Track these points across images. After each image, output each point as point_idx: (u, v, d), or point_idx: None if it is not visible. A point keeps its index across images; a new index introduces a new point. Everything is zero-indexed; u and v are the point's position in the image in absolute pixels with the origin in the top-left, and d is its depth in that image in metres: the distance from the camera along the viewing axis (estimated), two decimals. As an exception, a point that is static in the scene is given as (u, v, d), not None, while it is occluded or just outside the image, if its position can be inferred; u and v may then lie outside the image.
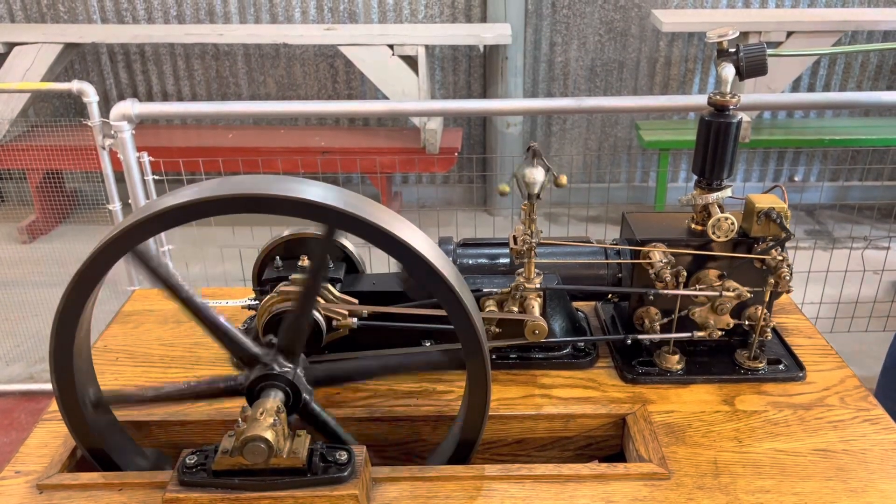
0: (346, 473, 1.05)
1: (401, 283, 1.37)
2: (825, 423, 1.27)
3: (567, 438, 1.33)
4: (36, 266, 4.06)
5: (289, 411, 1.09)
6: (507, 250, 1.46)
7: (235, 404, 1.12)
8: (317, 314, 1.31)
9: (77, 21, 4.91)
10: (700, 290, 1.34)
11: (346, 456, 1.06)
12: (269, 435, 0.99)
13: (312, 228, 1.41)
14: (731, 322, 1.36)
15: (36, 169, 4.58)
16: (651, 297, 1.37)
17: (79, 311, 1.05)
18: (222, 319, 1.12)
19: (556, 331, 1.42)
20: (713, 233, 1.33)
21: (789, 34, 4.40)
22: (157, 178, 2.91)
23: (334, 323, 1.32)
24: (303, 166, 4.19)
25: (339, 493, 1.03)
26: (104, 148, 2.83)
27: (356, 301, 1.33)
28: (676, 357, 1.39)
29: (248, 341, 1.12)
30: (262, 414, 1.02)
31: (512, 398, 1.34)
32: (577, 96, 5.03)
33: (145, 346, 1.52)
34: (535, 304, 1.32)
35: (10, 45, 4.47)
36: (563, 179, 1.23)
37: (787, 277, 1.32)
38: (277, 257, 1.41)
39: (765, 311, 1.36)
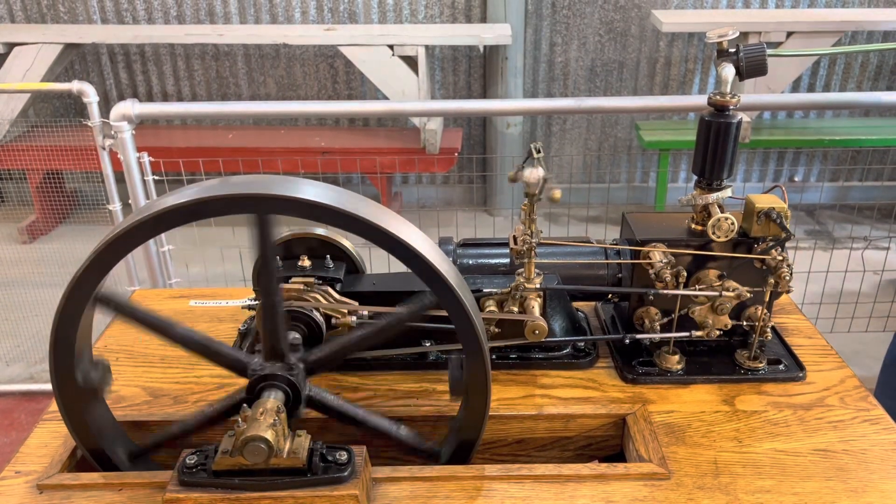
0: (346, 473, 1.05)
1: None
2: (825, 423, 1.27)
3: (567, 438, 1.33)
4: (36, 266, 4.06)
5: (293, 408, 1.09)
6: (507, 250, 1.46)
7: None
8: (316, 314, 1.31)
9: (77, 21, 4.91)
10: (700, 290, 1.34)
11: (346, 456, 1.06)
12: (269, 435, 0.99)
13: (312, 228, 1.41)
14: (730, 323, 1.36)
15: (36, 169, 4.58)
16: (651, 297, 1.37)
17: (79, 311, 1.05)
18: (205, 337, 1.12)
19: (556, 331, 1.42)
20: (713, 233, 1.33)
21: (789, 34, 4.40)
22: (157, 178, 2.91)
23: (333, 321, 1.32)
24: (303, 167, 4.19)
25: (339, 493, 1.03)
26: (104, 148, 2.83)
27: (355, 303, 1.33)
28: (676, 357, 1.39)
29: (234, 351, 1.12)
30: (261, 414, 1.02)
31: (512, 398, 1.34)
32: (577, 96, 5.03)
33: (145, 346, 1.52)
34: (535, 304, 1.32)
35: (10, 46, 4.47)
36: (557, 194, 1.22)
37: (788, 277, 1.32)
38: (277, 257, 1.41)
39: (765, 311, 1.36)
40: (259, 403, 1.05)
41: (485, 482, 1.14)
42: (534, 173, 1.23)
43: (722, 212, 1.34)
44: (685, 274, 1.34)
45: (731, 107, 1.31)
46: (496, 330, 1.34)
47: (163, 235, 2.95)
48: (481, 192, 5.32)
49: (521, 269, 1.35)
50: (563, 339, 1.43)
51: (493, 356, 1.41)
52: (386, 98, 4.48)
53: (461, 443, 1.18)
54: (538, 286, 1.33)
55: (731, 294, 1.32)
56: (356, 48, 4.38)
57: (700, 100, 2.95)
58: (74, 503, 1.11)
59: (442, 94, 5.11)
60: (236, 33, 4.64)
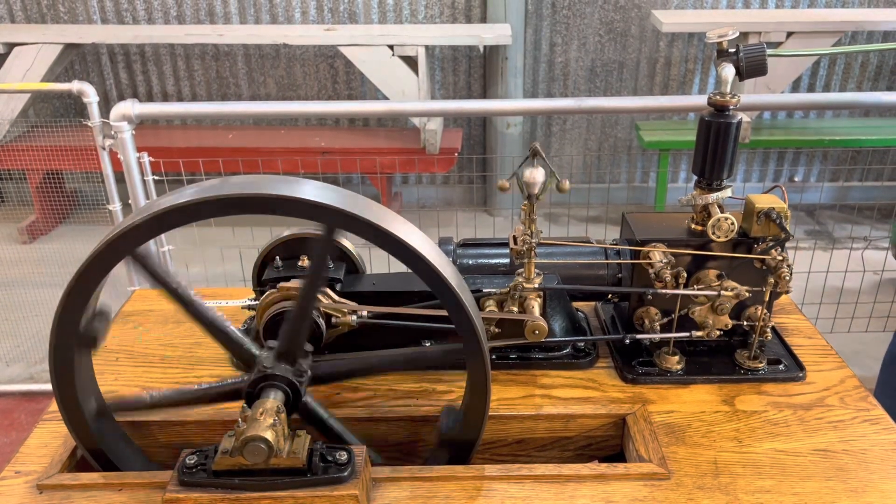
0: (346, 473, 1.05)
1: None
2: (825, 423, 1.27)
3: (567, 438, 1.33)
4: (36, 266, 4.06)
5: (289, 411, 1.09)
6: (507, 250, 1.46)
7: (235, 405, 1.12)
8: (315, 314, 1.32)
9: (77, 21, 4.91)
10: (698, 289, 1.34)
11: (346, 456, 1.06)
12: (268, 435, 0.99)
13: (313, 229, 1.41)
14: (730, 323, 1.36)
15: (36, 169, 4.58)
16: (649, 297, 1.37)
17: (79, 311, 1.05)
18: (222, 320, 1.12)
19: (556, 331, 1.42)
20: (713, 233, 1.33)
21: (789, 34, 4.40)
22: (157, 178, 2.91)
23: (333, 320, 1.32)
24: (303, 167, 4.19)
25: (339, 494, 1.03)
26: (104, 148, 2.83)
27: (354, 304, 1.33)
28: (676, 357, 1.39)
29: (248, 342, 1.12)
30: (261, 414, 1.02)
31: (512, 398, 1.34)
32: (577, 97, 5.03)
33: (145, 346, 1.52)
34: (535, 305, 1.32)
35: (10, 46, 4.47)
36: (566, 185, 1.23)
37: (787, 278, 1.32)
38: (277, 257, 1.42)
39: (765, 310, 1.36)
40: (259, 403, 1.05)
41: (485, 482, 1.14)
42: (534, 174, 1.23)
43: (722, 212, 1.34)
44: (685, 274, 1.34)
45: (731, 107, 1.31)
46: (496, 330, 1.34)
47: (163, 235, 2.95)
48: (481, 192, 5.32)
49: (521, 269, 1.35)
50: (563, 339, 1.43)
51: (493, 356, 1.41)
52: (386, 98, 4.48)
53: (461, 443, 1.18)
54: (537, 286, 1.33)
55: (730, 294, 1.32)
56: (356, 48, 4.38)
57: (700, 100, 2.94)
58: (74, 503, 1.11)
59: (442, 94, 5.11)
60: (236, 33, 4.64)
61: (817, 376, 1.39)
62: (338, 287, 1.36)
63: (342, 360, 1.17)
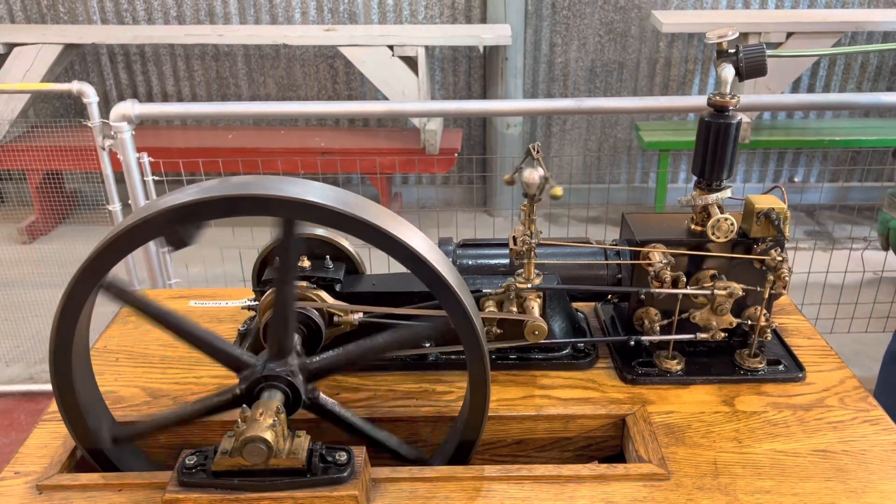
0: (345, 474, 1.05)
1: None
2: (825, 423, 1.27)
3: (567, 439, 1.33)
4: (36, 266, 4.06)
5: (290, 410, 1.09)
6: (507, 251, 1.46)
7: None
8: (315, 314, 1.31)
9: (77, 22, 4.91)
10: (691, 289, 1.34)
11: (345, 456, 1.06)
12: (268, 435, 0.99)
13: (312, 229, 1.41)
14: (734, 321, 1.36)
15: (36, 169, 4.58)
16: (642, 297, 1.37)
17: (79, 311, 1.05)
18: (207, 333, 1.12)
19: (555, 331, 1.42)
20: (713, 233, 1.33)
21: (789, 35, 4.40)
22: (156, 178, 2.91)
23: (336, 319, 1.32)
24: (303, 167, 4.19)
25: (338, 494, 1.03)
26: (104, 148, 2.84)
27: (349, 307, 1.33)
28: (676, 358, 1.39)
29: (237, 351, 1.12)
30: (261, 414, 1.02)
31: (512, 399, 1.34)
32: (576, 97, 5.03)
33: (145, 346, 1.52)
34: (535, 305, 1.32)
35: (10, 46, 4.47)
36: (558, 191, 1.22)
37: (787, 278, 1.32)
38: (277, 257, 1.41)
39: (764, 311, 1.36)
40: (259, 404, 1.05)
41: (485, 483, 1.14)
42: (533, 174, 1.23)
43: (721, 212, 1.34)
44: (685, 275, 1.34)
45: (731, 107, 1.31)
46: (498, 331, 1.34)
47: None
48: (481, 192, 5.32)
49: (521, 270, 1.35)
50: (566, 340, 1.43)
51: (493, 356, 1.41)
52: (386, 98, 4.48)
53: (461, 443, 1.18)
54: (532, 286, 1.33)
55: (724, 293, 1.32)
56: (356, 48, 4.39)
57: (700, 100, 2.95)
58: (74, 503, 1.11)
59: (442, 94, 5.11)
60: (236, 34, 4.64)
61: (817, 377, 1.39)
62: (337, 287, 1.36)
63: (336, 352, 1.16)
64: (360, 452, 1.09)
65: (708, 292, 1.33)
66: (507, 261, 1.46)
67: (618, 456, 1.31)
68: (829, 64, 5.02)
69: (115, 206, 2.97)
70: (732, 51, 1.33)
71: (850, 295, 3.48)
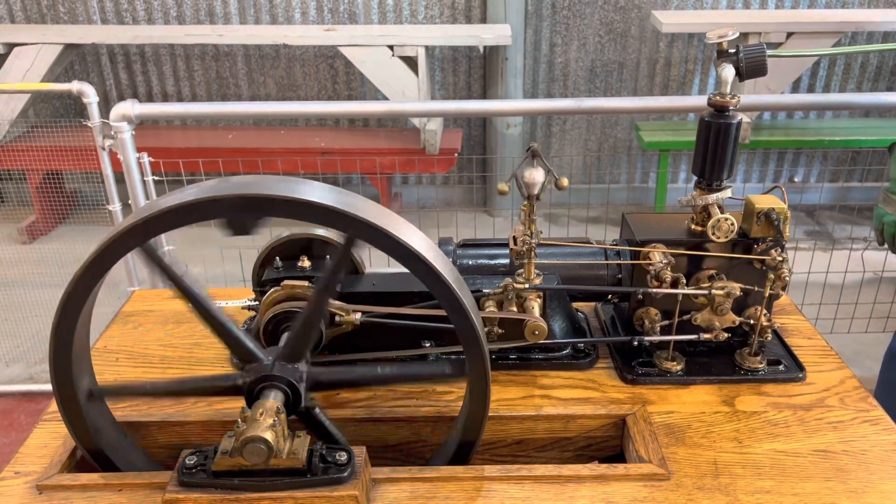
0: (345, 474, 1.05)
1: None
2: (825, 423, 1.27)
3: (567, 439, 1.33)
4: (36, 266, 4.06)
5: (289, 412, 1.09)
6: (507, 251, 1.46)
7: (235, 404, 1.12)
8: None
9: (77, 22, 4.91)
10: (690, 289, 1.34)
11: (345, 456, 1.06)
12: (268, 435, 0.99)
13: (312, 230, 1.41)
14: (737, 319, 1.36)
15: (36, 169, 4.58)
16: (640, 297, 1.37)
17: (78, 311, 1.05)
18: (228, 320, 1.12)
19: (555, 331, 1.42)
20: (713, 233, 1.33)
21: (789, 35, 4.40)
22: (156, 178, 2.91)
23: (337, 319, 1.32)
24: (303, 167, 4.19)
25: (338, 494, 1.03)
26: (104, 148, 2.83)
27: (349, 307, 1.33)
28: (676, 358, 1.39)
29: (251, 343, 1.12)
30: (261, 414, 1.02)
31: (512, 399, 1.34)
32: (576, 97, 5.03)
33: (145, 346, 1.52)
34: (535, 305, 1.32)
35: (10, 46, 4.47)
36: (565, 182, 1.23)
37: (788, 278, 1.32)
38: (277, 258, 1.42)
39: (764, 311, 1.36)
40: (259, 404, 1.05)
41: (485, 483, 1.14)
42: (534, 174, 1.23)
43: (722, 212, 1.34)
44: (685, 275, 1.34)
45: (731, 107, 1.31)
46: (500, 331, 1.34)
47: (162, 235, 2.95)
48: (481, 192, 5.32)
49: (521, 270, 1.34)
50: (565, 340, 1.43)
51: (493, 356, 1.40)
52: (386, 98, 4.48)
53: (461, 443, 1.17)
54: (528, 286, 1.33)
55: (721, 293, 1.32)
56: (356, 49, 4.39)
57: (700, 100, 2.95)
58: (74, 503, 1.11)
59: (442, 94, 5.11)
60: (236, 34, 4.64)
61: (817, 377, 1.39)
62: (337, 287, 1.36)
63: (345, 370, 1.17)
64: (360, 452, 1.09)
65: (706, 292, 1.33)
66: (507, 261, 1.46)
67: (618, 456, 1.31)
68: (829, 64, 5.02)
69: (115, 206, 2.97)
70: (733, 51, 1.33)
71: (850, 295, 3.48)
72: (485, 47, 4.77)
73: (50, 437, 1.25)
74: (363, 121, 5.12)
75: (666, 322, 1.39)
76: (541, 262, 1.39)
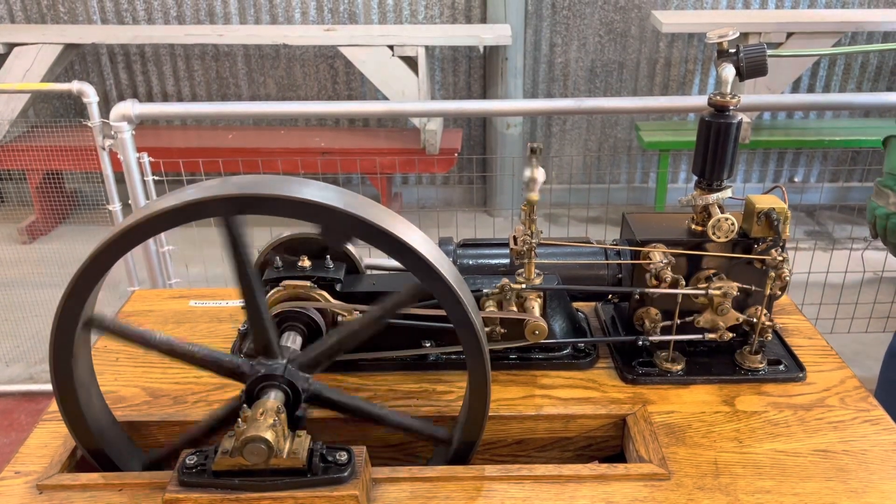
0: (346, 474, 1.05)
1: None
2: (825, 423, 1.27)
3: (567, 439, 1.33)
4: (36, 266, 4.06)
5: (294, 406, 1.08)
6: (507, 251, 1.46)
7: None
8: (315, 313, 1.31)
9: (77, 22, 4.91)
10: (688, 289, 1.34)
11: (346, 456, 1.06)
12: (269, 435, 0.99)
13: (312, 229, 1.41)
14: (741, 317, 1.36)
15: (36, 169, 4.58)
16: (637, 297, 1.37)
17: (79, 311, 1.05)
18: (196, 347, 1.12)
19: (556, 331, 1.42)
20: (713, 233, 1.33)
21: (789, 35, 4.40)
22: (157, 178, 2.91)
23: (339, 318, 1.32)
24: (303, 167, 4.19)
25: (339, 494, 1.03)
26: (104, 148, 2.83)
27: (352, 307, 1.33)
28: (676, 358, 1.39)
29: (227, 357, 1.11)
30: (261, 414, 1.02)
31: (512, 399, 1.34)
32: (576, 97, 5.03)
33: (145, 346, 1.52)
34: (536, 305, 1.32)
35: (10, 46, 4.47)
36: (534, 197, 1.23)
37: (788, 278, 1.32)
38: (277, 257, 1.41)
39: (764, 310, 1.36)
40: (259, 404, 1.05)
41: (485, 482, 1.13)
42: (535, 174, 1.23)
43: (722, 212, 1.34)
44: (685, 275, 1.34)
45: (732, 107, 1.31)
46: (502, 330, 1.34)
47: (162, 235, 2.95)
48: (481, 192, 5.32)
49: (522, 270, 1.34)
50: (566, 340, 1.43)
51: (493, 356, 1.40)
52: (386, 98, 4.48)
53: (461, 443, 1.18)
54: (529, 286, 1.33)
55: (719, 292, 1.32)
56: (356, 48, 4.39)
57: (700, 100, 2.95)
58: (74, 503, 1.11)
59: (442, 94, 5.11)
60: (236, 34, 4.64)
61: (817, 377, 1.39)
62: (338, 287, 1.36)
63: (324, 340, 1.14)
64: (360, 452, 1.08)
65: (703, 292, 1.33)
66: (507, 261, 1.46)
67: (618, 456, 1.31)
68: (829, 64, 5.02)
69: (116, 206, 2.97)
70: (733, 50, 1.33)
71: (851, 295, 3.48)
72: (485, 47, 4.77)
73: (50, 436, 1.25)
74: (363, 121, 5.12)
75: (667, 322, 1.39)
76: (541, 262, 1.39)
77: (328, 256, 1.41)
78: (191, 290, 1.74)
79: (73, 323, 1.05)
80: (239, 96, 5.14)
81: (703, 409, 1.31)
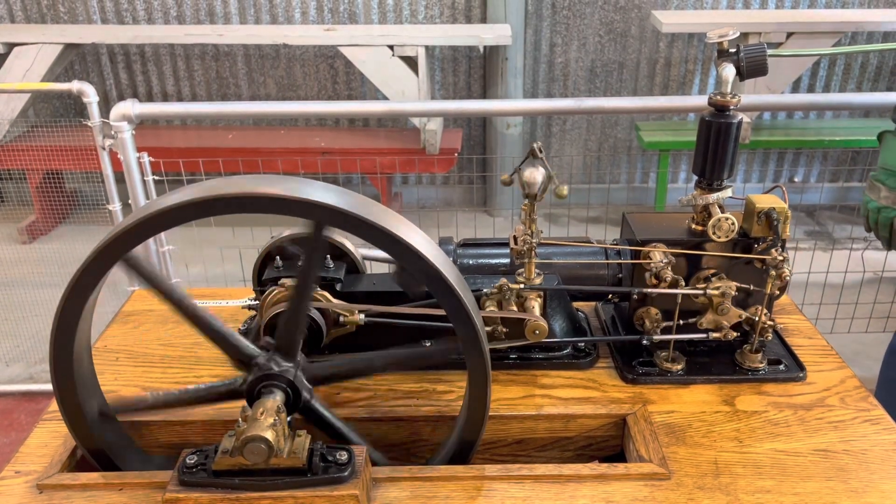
0: (346, 473, 1.05)
1: (397, 280, 1.36)
2: (825, 423, 1.27)
3: (567, 439, 1.33)
4: (36, 266, 4.06)
5: (289, 410, 1.09)
6: (508, 250, 1.46)
7: (236, 404, 1.12)
8: (316, 313, 1.31)
9: (77, 21, 4.91)
10: (687, 288, 1.34)
11: (346, 456, 1.06)
12: (269, 435, 0.99)
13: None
14: (743, 314, 1.35)
15: (36, 169, 4.58)
16: (637, 296, 1.37)
17: (79, 311, 1.05)
18: (217, 321, 1.12)
19: (556, 331, 1.42)
20: (713, 233, 1.33)
21: (789, 35, 4.40)
22: (157, 178, 2.91)
23: (341, 319, 1.32)
24: (303, 167, 4.19)
25: (339, 494, 1.03)
26: (104, 148, 2.83)
27: (351, 307, 1.33)
28: (677, 357, 1.39)
29: (244, 342, 1.12)
30: (262, 414, 1.02)
31: (512, 398, 1.34)
32: (577, 97, 5.03)
33: (145, 346, 1.52)
34: (536, 304, 1.32)
35: (10, 46, 4.47)
36: (564, 190, 1.22)
37: (788, 278, 1.32)
38: (277, 257, 1.41)
39: (764, 310, 1.36)
40: (259, 403, 1.05)
41: (485, 482, 1.13)
42: (534, 174, 1.23)
43: (722, 212, 1.34)
44: (685, 276, 1.34)
45: (732, 107, 1.31)
46: (504, 330, 1.34)
47: (162, 235, 2.95)
48: (481, 192, 5.32)
49: (522, 270, 1.34)
50: (566, 339, 1.43)
51: (493, 356, 1.40)
52: (386, 98, 4.48)
53: (461, 443, 1.18)
54: (529, 286, 1.33)
55: (717, 292, 1.32)
56: (356, 48, 4.38)
57: (700, 100, 2.95)
58: (74, 503, 1.11)
59: (442, 94, 5.11)
60: (236, 33, 4.64)
61: (818, 376, 1.39)
62: (338, 287, 1.36)
63: (342, 361, 1.17)
64: (360, 452, 1.09)
65: (701, 292, 1.33)
66: (507, 260, 1.46)
67: (618, 455, 1.31)
68: (829, 64, 5.02)
69: (116, 206, 2.97)
70: (733, 50, 1.33)
71: (851, 295, 3.48)
72: (485, 47, 4.77)
73: (50, 436, 1.25)
74: (363, 121, 5.12)
75: (669, 323, 1.39)
76: (541, 262, 1.39)
77: (328, 256, 1.41)
78: (191, 290, 1.74)
79: (73, 323, 1.05)
80: (239, 96, 5.14)
81: (704, 409, 1.31)
